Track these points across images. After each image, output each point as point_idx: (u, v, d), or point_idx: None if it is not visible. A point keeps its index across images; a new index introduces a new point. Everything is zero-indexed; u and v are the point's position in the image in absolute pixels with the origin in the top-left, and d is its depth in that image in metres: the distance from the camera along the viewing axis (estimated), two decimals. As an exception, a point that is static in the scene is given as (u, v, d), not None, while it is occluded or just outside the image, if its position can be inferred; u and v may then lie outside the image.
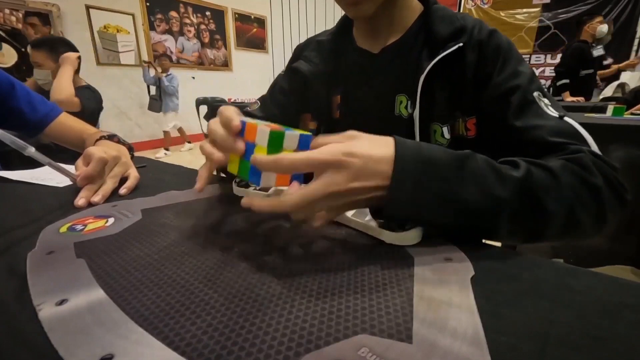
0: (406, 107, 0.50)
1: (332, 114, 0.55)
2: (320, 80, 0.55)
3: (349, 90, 0.55)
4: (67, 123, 0.72)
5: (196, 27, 4.44)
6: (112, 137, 0.58)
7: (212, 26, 4.62)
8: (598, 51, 2.98)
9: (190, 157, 3.72)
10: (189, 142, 4.16)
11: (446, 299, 0.22)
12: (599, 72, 3.07)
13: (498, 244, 0.31)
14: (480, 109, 0.46)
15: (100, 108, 1.61)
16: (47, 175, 0.53)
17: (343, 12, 0.59)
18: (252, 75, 5.13)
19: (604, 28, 2.85)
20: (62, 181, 0.50)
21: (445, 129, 0.47)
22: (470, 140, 0.47)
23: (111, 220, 0.35)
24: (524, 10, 4.91)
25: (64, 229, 0.33)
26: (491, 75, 0.45)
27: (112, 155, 0.48)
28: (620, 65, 3.20)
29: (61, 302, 0.21)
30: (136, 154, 0.64)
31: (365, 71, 0.54)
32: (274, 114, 0.58)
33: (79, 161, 0.46)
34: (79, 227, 0.33)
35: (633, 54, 4.32)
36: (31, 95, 0.70)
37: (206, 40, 4.59)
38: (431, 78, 0.46)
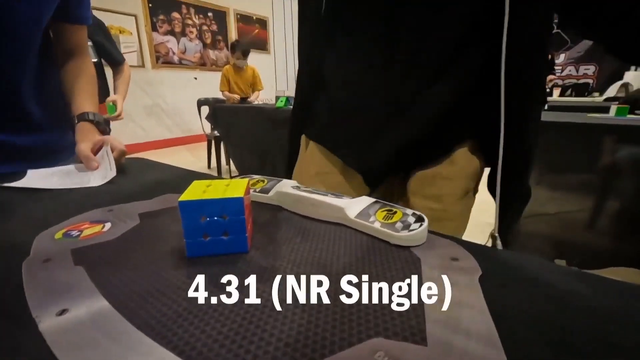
0: None
1: None
2: None
3: None
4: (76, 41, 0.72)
5: (198, 28, 4.44)
6: (99, 124, 0.64)
7: (214, 27, 4.62)
8: None
9: (192, 159, 3.66)
10: None
11: (456, 299, 0.22)
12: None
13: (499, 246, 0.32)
14: None
15: None
16: (73, 179, 0.52)
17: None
18: (254, 76, 5.15)
19: None
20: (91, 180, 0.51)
21: None
22: None
23: (108, 226, 0.34)
24: (527, 9, 4.96)
25: (59, 235, 0.32)
26: None
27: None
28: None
29: (61, 313, 0.20)
30: (139, 155, 0.64)
31: None
32: None
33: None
34: (75, 233, 0.32)
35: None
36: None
37: (208, 41, 4.58)
38: None
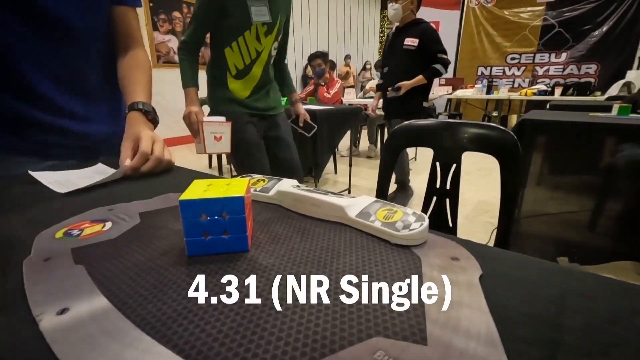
0: None
1: None
2: None
3: None
4: (131, 23, 0.72)
5: (199, 27, 4.48)
6: (147, 113, 0.64)
7: (215, 26, 4.65)
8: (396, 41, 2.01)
9: (192, 158, 3.66)
10: None
11: (457, 298, 0.22)
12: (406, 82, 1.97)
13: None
14: None
15: None
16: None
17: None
18: (254, 75, 5.13)
19: (390, 11, 1.94)
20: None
21: None
22: None
23: (108, 225, 0.34)
24: (528, 8, 4.92)
25: (59, 234, 0.32)
26: None
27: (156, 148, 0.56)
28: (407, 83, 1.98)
29: (62, 311, 0.20)
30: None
31: None
32: None
33: (127, 144, 0.55)
34: (75, 232, 0.32)
35: (639, 51, 4.31)
36: None
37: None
38: None
